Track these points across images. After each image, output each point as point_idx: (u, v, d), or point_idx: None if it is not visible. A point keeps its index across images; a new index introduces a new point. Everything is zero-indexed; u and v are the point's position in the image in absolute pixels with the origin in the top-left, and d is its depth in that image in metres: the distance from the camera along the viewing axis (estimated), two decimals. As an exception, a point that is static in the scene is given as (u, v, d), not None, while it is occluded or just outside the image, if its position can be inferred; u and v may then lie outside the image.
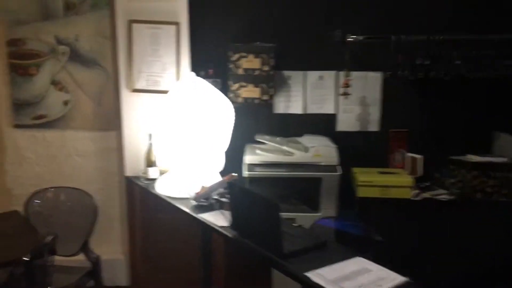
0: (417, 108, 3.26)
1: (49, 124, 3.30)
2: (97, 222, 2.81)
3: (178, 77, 3.02)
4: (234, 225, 2.18)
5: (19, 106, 3.27)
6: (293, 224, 2.20)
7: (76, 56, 3.22)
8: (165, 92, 2.88)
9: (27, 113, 3.28)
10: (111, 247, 3.44)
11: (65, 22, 3.18)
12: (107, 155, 3.36)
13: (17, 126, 3.30)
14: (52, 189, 2.94)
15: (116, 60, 3.11)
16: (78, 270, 2.70)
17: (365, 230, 2.38)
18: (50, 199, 2.90)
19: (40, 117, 3.29)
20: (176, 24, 2.98)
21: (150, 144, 2.89)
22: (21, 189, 3.37)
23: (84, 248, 2.74)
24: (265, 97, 3.09)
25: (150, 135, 2.89)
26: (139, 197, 3.05)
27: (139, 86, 3.04)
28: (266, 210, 1.89)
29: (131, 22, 2.97)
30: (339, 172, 2.88)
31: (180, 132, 2.65)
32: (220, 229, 2.23)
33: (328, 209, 2.90)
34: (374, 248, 2.18)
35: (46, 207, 2.87)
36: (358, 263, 1.78)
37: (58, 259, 2.67)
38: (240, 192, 2.05)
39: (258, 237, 1.97)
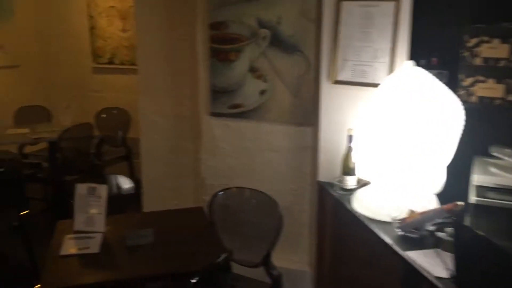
0: None
1: (244, 115, 3.07)
2: (281, 234, 2.44)
3: (392, 67, 2.42)
4: (458, 280, 1.54)
5: (217, 93, 3.11)
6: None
7: (276, 41, 2.89)
8: (374, 85, 2.34)
9: (223, 101, 3.10)
10: (297, 256, 3.08)
11: (269, 3, 2.86)
12: (301, 153, 2.98)
13: (213, 114, 3.15)
14: (239, 189, 2.68)
15: (319, 46, 2.67)
16: (257, 284, 2.39)
17: None
18: (235, 201, 2.64)
19: (236, 106, 3.08)
20: (396, 0, 2.38)
21: (350, 148, 2.39)
22: (213, 179, 3.26)
23: (266, 261, 2.41)
24: (510, 97, 2.27)
25: (350, 137, 2.39)
26: (331, 208, 2.59)
27: (342, 77, 2.54)
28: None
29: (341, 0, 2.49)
30: None
31: (389, 136, 2.09)
32: (434, 281, 1.61)
33: None
34: None
35: (230, 210, 2.62)
36: None
37: (236, 266, 2.41)
38: (474, 240, 1.40)
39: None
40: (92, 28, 5.18)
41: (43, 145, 4.36)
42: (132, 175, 4.61)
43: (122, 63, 5.15)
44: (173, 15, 3.37)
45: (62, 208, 3.60)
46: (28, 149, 4.55)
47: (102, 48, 5.21)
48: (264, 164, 3.11)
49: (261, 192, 2.54)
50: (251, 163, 3.15)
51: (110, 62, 5.21)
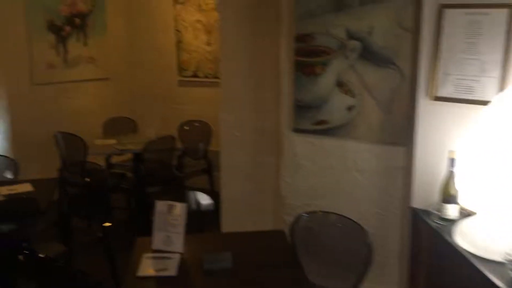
0: None
1: (330, 132, 2.88)
2: (371, 265, 2.21)
3: (503, 83, 2.12)
4: None
5: (300, 108, 2.96)
6: None
7: (366, 53, 2.68)
8: (482, 102, 2.07)
9: (307, 117, 2.94)
10: (383, 286, 2.82)
11: (360, 13, 2.67)
12: (391, 175, 2.73)
13: (296, 130, 3.00)
14: (324, 214, 2.48)
15: (416, 58, 2.43)
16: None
17: None
18: (320, 225, 2.45)
19: (321, 122, 2.91)
20: (509, 7, 2.09)
21: (451, 173, 2.12)
22: (294, 198, 3.10)
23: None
24: None
25: (452, 160, 2.12)
26: (427, 238, 2.32)
27: (443, 92, 2.29)
28: None
29: (443, 7, 2.24)
30: None
31: (501, 161, 1.81)
32: None
33: None
34: None
35: (313, 233, 2.44)
36: None
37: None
38: None
39: None
40: (179, 42, 5.27)
41: (128, 155, 4.47)
42: (212, 188, 4.58)
43: (205, 76, 5.18)
44: (257, 29, 3.29)
45: (144, 219, 3.63)
46: (114, 159, 4.69)
47: (187, 61, 5.28)
48: (349, 184, 2.90)
49: (348, 218, 2.34)
50: (335, 183, 2.95)
51: (194, 75, 5.26)
